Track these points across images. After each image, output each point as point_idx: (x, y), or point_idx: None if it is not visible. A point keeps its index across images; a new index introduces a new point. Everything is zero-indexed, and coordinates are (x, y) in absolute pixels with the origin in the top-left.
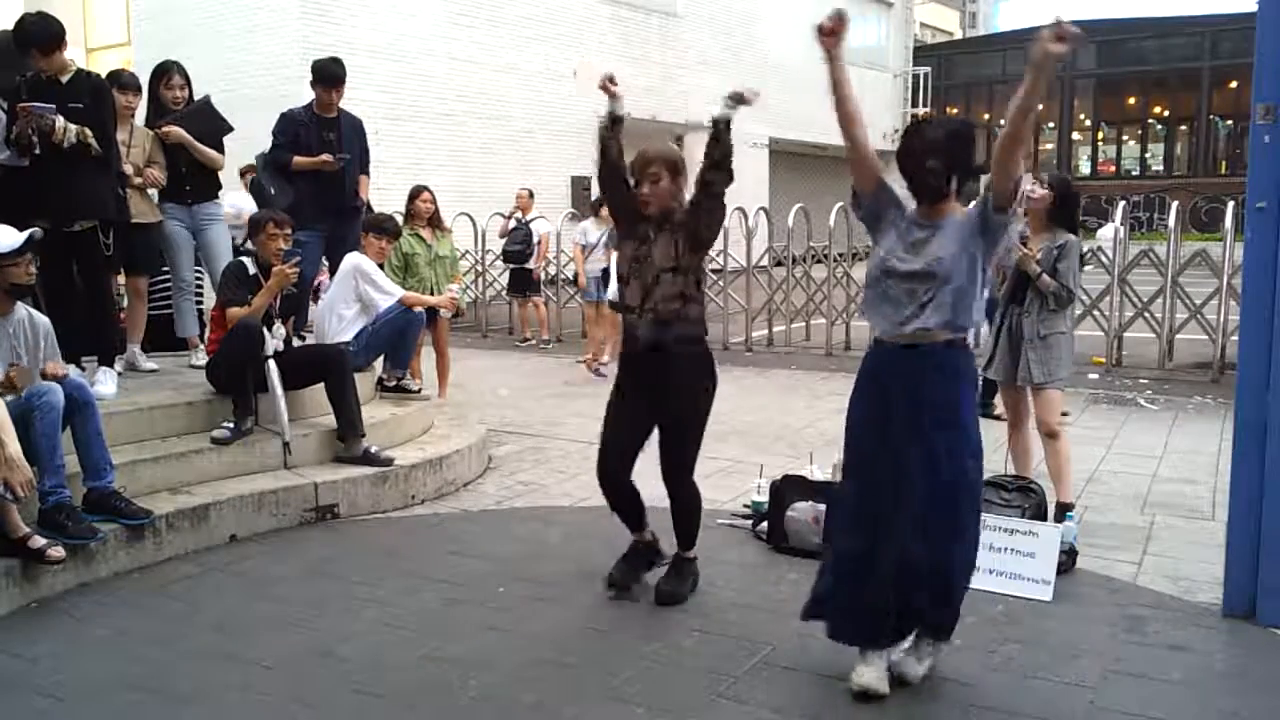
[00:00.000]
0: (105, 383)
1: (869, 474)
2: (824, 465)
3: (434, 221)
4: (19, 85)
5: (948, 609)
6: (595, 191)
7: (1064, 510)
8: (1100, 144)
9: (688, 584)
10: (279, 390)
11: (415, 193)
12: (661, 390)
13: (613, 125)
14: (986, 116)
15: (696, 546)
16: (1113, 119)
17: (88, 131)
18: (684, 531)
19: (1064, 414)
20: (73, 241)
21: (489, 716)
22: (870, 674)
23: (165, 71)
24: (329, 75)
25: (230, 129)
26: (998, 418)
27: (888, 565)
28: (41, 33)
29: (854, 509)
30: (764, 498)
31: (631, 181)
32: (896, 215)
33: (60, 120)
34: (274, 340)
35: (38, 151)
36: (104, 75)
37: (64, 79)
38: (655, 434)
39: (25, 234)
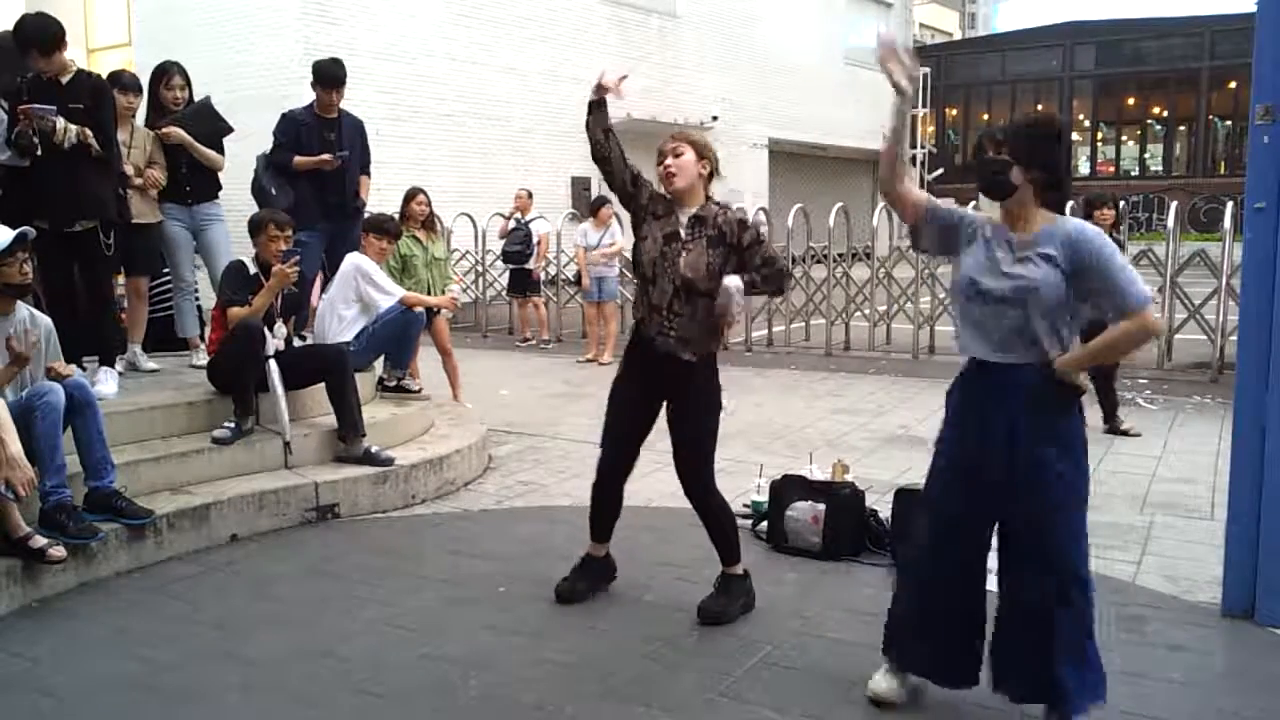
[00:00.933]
0: (106, 383)
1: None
2: (823, 465)
3: (428, 224)
4: (19, 86)
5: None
6: (595, 192)
7: None
8: (1099, 144)
9: (736, 604)
10: (280, 390)
11: (410, 195)
12: (679, 397)
13: (593, 110)
14: (985, 117)
15: (743, 560)
16: (1112, 119)
17: (88, 132)
18: (721, 543)
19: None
20: (73, 242)
21: (489, 716)
22: (889, 684)
23: (165, 72)
24: (329, 76)
25: (230, 130)
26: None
27: (977, 599)
28: (41, 33)
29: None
30: (764, 497)
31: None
32: (981, 230)
33: (61, 121)
34: (275, 340)
35: (38, 152)
36: (104, 76)
37: (64, 80)
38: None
39: (15, 232)
